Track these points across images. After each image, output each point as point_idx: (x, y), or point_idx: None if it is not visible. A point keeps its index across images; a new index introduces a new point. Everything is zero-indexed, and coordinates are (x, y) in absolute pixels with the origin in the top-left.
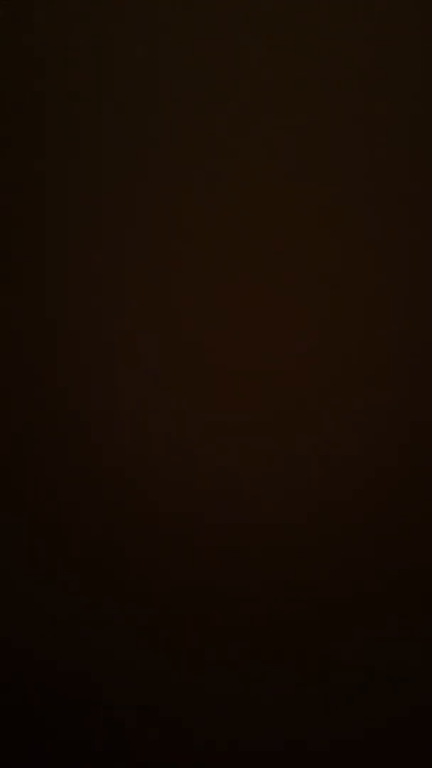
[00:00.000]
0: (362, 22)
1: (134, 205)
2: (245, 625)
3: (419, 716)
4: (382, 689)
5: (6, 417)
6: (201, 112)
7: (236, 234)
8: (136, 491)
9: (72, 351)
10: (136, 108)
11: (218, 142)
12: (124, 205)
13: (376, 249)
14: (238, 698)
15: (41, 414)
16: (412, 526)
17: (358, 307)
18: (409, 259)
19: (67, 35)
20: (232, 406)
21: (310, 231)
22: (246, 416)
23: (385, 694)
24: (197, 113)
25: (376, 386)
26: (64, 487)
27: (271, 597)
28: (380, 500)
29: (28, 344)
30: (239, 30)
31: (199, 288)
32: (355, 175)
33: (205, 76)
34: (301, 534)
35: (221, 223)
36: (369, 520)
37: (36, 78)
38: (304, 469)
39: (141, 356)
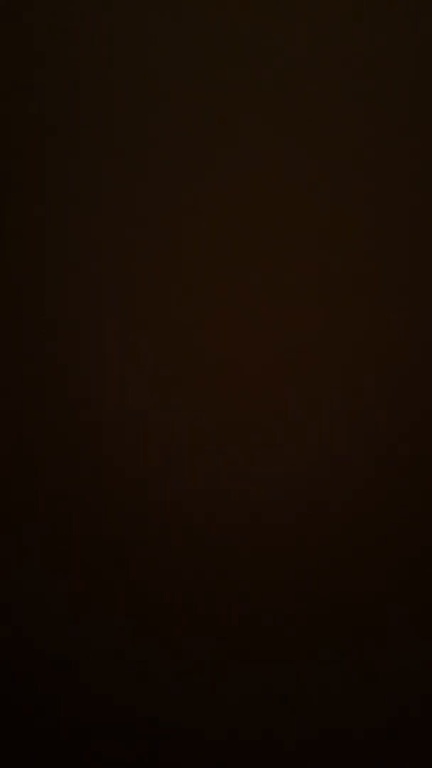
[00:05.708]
0: (362, 22)
1: (134, 203)
2: (245, 622)
3: (420, 715)
4: (383, 689)
5: (6, 409)
6: (201, 112)
7: (236, 232)
8: (135, 487)
9: (71, 344)
10: (136, 108)
11: (218, 142)
12: (123, 203)
13: (376, 249)
14: (238, 695)
15: (40, 405)
16: (414, 525)
17: (358, 306)
18: (410, 259)
19: (67, 37)
20: (231, 401)
21: (310, 231)
22: (245, 413)
23: (385, 694)
24: (197, 113)
25: (376, 384)
26: (64, 484)
27: (270, 594)
28: (380, 498)
29: (28, 339)
30: (239, 29)
31: (199, 284)
32: (356, 174)
33: (204, 76)
34: (301, 531)
35: (221, 222)
36: (368, 518)
37: (36, 76)
38: (304, 467)
39: (141, 351)
